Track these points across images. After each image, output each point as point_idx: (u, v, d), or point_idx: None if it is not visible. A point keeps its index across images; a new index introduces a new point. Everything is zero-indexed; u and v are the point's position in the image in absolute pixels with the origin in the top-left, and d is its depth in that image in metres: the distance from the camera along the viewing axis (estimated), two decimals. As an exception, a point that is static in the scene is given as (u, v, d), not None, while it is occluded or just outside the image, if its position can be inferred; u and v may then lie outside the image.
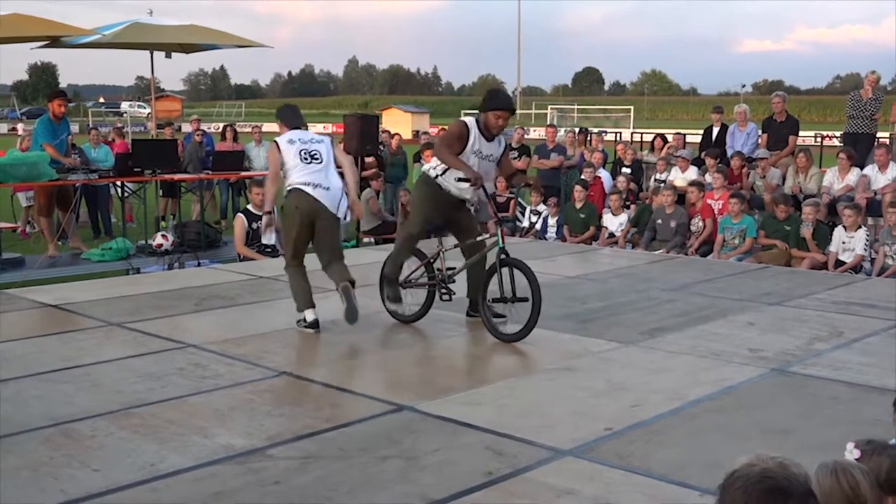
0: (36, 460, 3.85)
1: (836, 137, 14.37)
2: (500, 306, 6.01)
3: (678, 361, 5.44)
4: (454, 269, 6.39)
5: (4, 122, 57.89)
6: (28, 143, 12.18)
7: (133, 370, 5.23)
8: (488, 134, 6.11)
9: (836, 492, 2.01)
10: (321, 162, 6.15)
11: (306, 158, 6.10)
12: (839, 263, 9.32)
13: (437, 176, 6.16)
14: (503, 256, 5.92)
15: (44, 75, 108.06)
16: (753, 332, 6.17)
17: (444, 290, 6.37)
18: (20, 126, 22.23)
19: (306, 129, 6.55)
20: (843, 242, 9.40)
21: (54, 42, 12.48)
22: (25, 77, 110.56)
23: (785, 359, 5.47)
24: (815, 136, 15.64)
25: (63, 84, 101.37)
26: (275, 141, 6.25)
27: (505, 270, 5.91)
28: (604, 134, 17.57)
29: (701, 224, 10.48)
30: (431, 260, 6.44)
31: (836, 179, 10.67)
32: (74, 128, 12.65)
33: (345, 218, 6.35)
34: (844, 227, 9.44)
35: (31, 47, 13.01)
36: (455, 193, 6.20)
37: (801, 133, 12.36)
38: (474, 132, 6.05)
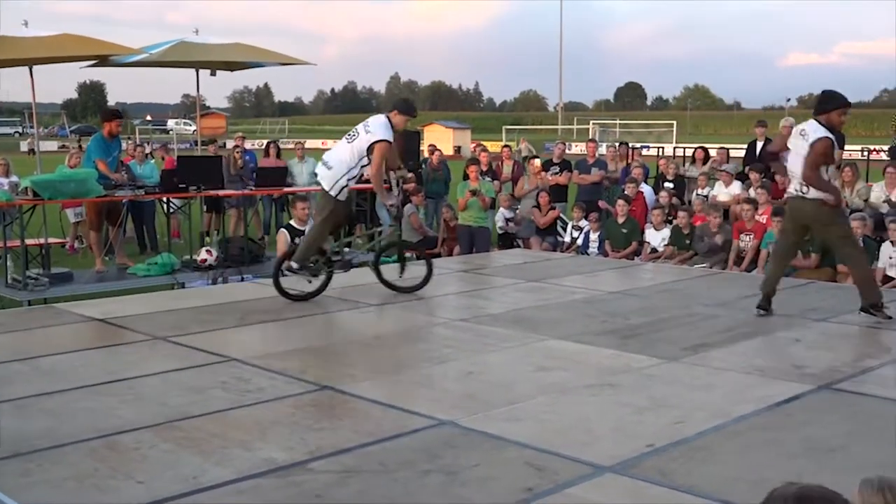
0: (81, 471, 3.91)
1: (884, 151, 14.12)
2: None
3: (722, 378, 5.37)
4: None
5: (55, 140, 59.02)
6: (76, 160, 12.38)
7: (176, 383, 5.29)
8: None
9: None
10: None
11: None
12: (887, 279, 9.15)
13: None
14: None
15: (92, 93, 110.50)
16: (799, 349, 6.07)
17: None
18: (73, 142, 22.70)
19: None
20: (891, 258, 9.22)
21: (103, 61, 12.69)
22: (75, 95, 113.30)
23: (832, 376, 5.37)
24: (862, 150, 15.40)
25: (111, 102, 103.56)
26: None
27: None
28: (645, 149, 17.43)
29: (752, 242, 10.25)
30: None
31: (884, 193, 10.49)
32: (123, 145, 12.84)
33: None
34: (892, 242, 9.27)
35: (80, 66, 13.25)
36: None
37: (847, 147, 12.18)
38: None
